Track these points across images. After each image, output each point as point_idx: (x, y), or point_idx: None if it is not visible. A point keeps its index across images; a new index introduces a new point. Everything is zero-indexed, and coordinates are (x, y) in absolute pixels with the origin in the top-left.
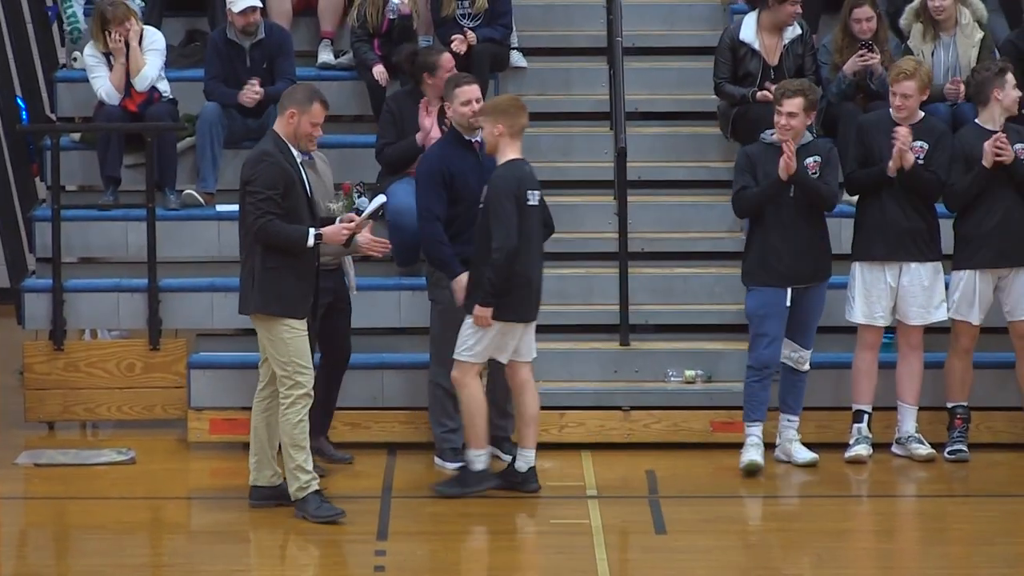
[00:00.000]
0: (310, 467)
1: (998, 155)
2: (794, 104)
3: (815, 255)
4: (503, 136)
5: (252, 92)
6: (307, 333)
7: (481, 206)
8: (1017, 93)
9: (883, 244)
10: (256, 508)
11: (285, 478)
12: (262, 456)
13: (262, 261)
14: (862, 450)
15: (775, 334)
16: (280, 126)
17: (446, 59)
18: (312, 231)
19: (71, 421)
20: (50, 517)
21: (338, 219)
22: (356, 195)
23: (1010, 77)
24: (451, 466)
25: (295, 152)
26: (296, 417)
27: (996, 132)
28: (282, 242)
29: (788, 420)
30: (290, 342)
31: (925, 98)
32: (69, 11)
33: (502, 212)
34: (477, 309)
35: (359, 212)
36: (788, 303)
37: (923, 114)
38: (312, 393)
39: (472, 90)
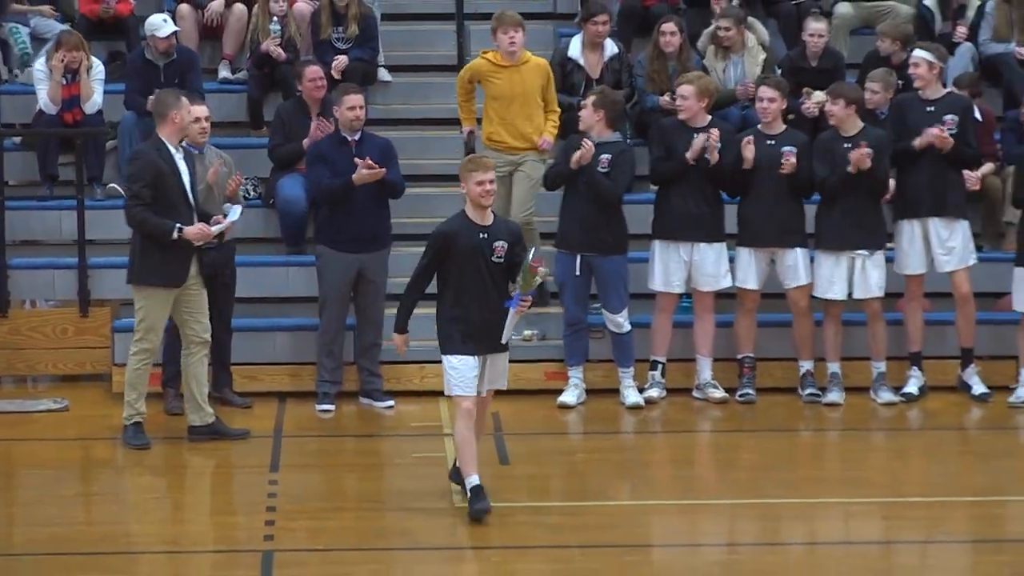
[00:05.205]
0: (139, 406)
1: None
2: (585, 101)
3: (604, 231)
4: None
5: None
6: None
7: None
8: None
9: (679, 227)
10: (193, 443)
11: (217, 416)
12: (191, 401)
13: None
14: (654, 392)
15: (572, 295)
16: (163, 131)
17: (309, 70)
18: (177, 226)
19: (15, 376)
20: None
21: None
22: (541, 273)
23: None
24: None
25: (172, 149)
26: (136, 365)
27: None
28: (149, 230)
29: (622, 372)
30: (151, 307)
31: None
32: (18, 36)
33: None
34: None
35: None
36: (578, 272)
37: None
38: (156, 352)
39: (357, 98)
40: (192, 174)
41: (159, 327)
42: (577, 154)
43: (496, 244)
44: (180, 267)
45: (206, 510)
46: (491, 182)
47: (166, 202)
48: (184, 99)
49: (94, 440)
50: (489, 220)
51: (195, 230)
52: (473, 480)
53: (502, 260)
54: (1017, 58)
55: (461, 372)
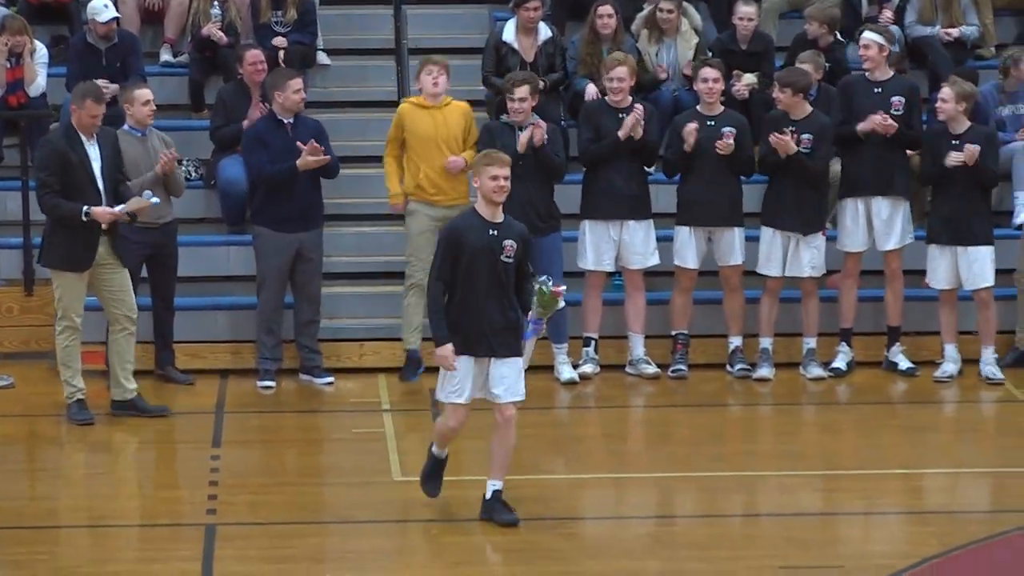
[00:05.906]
0: (76, 383)
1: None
2: (522, 91)
3: (542, 210)
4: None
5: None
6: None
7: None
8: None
9: (607, 206)
10: (116, 417)
11: (139, 393)
12: (113, 377)
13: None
14: (588, 368)
15: None
16: (72, 117)
17: (249, 54)
18: (84, 208)
19: None
20: None
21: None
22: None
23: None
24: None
25: (83, 136)
26: (64, 343)
27: (708, 116)
28: (61, 214)
29: (556, 348)
30: (64, 287)
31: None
32: None
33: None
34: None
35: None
36: None
37: (638, 105)
38: (79, 328)
39: (300, 81)
40: (101, 157)
41: (77, 306)
42: (538, 134)
43: (506, 243)
44: (85, 252)
45: (150, 485)
46: (506, 178)
47: (73, 188)
48: (90, 100)
49: (39, 417)
50: (500, 218)
51: (102, 210)
52: (440, 453)
53: (511, 260)
54: (941, 40)
55: (452, 376)
